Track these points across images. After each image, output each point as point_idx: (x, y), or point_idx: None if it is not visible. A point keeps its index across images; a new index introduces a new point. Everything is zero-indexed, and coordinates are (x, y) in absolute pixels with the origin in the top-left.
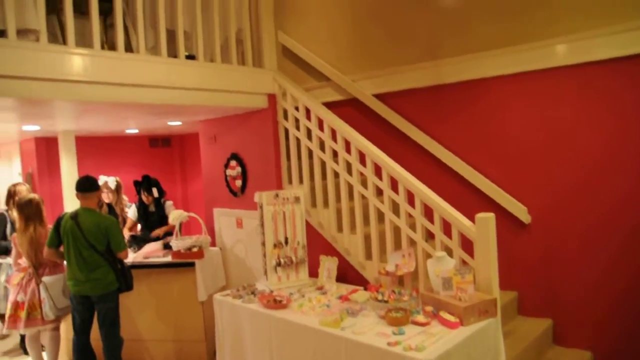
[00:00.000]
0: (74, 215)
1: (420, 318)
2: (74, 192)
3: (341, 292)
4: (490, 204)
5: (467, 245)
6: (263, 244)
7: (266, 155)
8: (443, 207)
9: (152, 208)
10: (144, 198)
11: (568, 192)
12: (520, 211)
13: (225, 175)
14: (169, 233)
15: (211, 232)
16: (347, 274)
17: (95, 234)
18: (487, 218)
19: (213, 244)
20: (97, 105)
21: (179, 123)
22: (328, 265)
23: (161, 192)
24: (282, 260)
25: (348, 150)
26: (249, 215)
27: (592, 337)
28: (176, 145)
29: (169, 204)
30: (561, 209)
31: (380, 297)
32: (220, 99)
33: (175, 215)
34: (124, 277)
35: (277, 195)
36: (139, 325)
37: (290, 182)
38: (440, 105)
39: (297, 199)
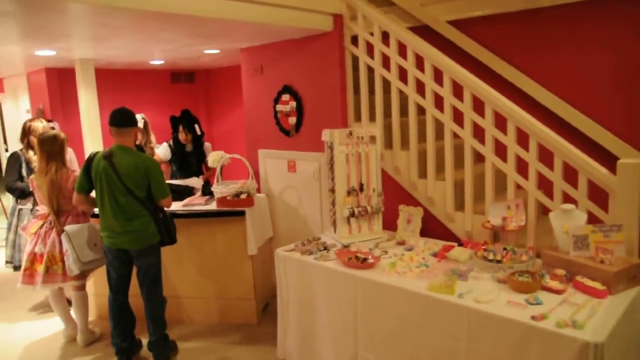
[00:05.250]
0: (108, 155)
1: (554, 284)
2: (108, 127)
3: (431, 248)
4: (593, 148)
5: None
6: (332, 190)
7: (329, 87)
8: (569, 149)
9: (189, 148)
10: (181, 137)
11: None
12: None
13: (275, 112)
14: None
15: (255, 176)
16: (428, 227)
17: (134, 177)
18: (633, 165)
19: (258, 190)
20: (127, 18)
21: (216, 51)
22: (410, 217)
23: (201, 130)
24: (356, 210)
25: (438, 82)
26: (303, 158)
27: None
28: (200, 81)
29: (207, 145)
30: None
31: (491, 257)
32: (276, 15)
33: (215, 157)
34: (167, 228)
35: (350, 134)
36: (176, 281)
37: (358, 119)
38: (532, 33)
39: (372, 139)
